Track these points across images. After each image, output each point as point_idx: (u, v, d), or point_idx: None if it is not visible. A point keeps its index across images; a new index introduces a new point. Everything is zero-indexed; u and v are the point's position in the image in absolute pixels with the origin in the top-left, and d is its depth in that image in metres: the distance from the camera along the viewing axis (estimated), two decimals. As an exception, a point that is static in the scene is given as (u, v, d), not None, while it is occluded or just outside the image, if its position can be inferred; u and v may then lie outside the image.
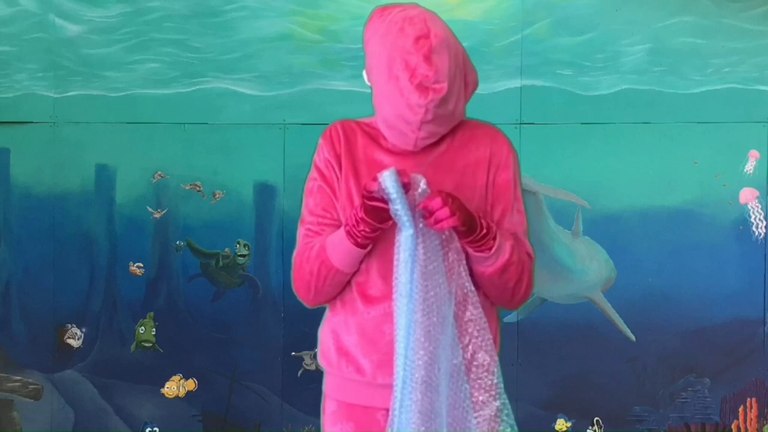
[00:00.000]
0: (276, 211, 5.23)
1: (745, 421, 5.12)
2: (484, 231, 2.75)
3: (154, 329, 5.28)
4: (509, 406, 2.82)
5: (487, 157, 2.89)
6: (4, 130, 5.26)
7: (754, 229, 5.11)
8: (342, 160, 2.89)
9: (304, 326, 5.23)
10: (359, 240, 2.77)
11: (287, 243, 5.22)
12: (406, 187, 2.67)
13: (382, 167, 2.82)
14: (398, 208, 2.67)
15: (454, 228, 2.71)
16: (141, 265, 5.28)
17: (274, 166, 5.18)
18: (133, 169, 5.25)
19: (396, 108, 2.76)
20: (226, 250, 5.26)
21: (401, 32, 2.75)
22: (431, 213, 2.68)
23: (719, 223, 5.12)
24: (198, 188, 5.25)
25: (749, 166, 5.11)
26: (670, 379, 5.15)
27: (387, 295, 2.82)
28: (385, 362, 2.82)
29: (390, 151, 2.87)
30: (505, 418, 2.80)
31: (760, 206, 5.10)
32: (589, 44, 5.14)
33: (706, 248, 5.11)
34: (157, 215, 5.27)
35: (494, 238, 2.77)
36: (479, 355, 2.78)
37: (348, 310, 2.90)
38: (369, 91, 5.51)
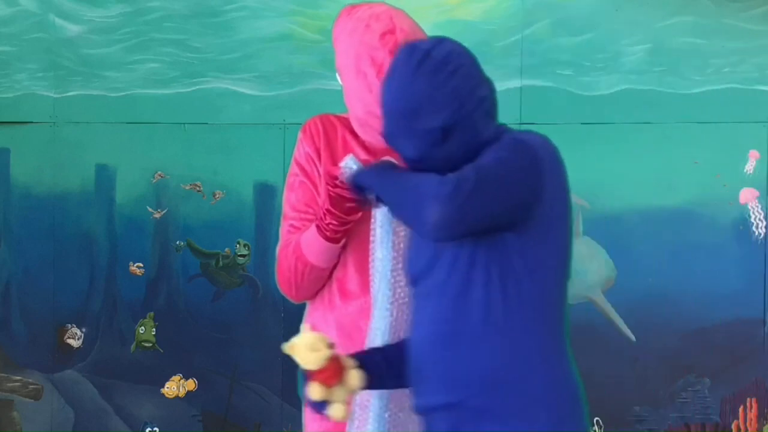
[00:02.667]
0: (276, 211, 5.21)
1: (745, 421, 5.12)
2: None
3: (154, 329, 5.28)
4: None
5: None
6: (4, 130, 5.26)
7: (754, 229, 5.11)
8: (321, 153, 2.90)
9: (304, 326, 5.23)
10: (328, 234, 2.78)
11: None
12: None
13: (362, 161, 2.84)
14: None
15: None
16: (141, 265, 5.28)
17: (274, 166, 5.18)
18: (133, 169, 5.25)
19: (365, 105, 2.77)
20: (226, 250, 5.26)
21: (367, 29, 2.76)
22: None
23: (719, 223, 5.12)
24: (198, 188, 5.26)
25: (749, 166, 5.11)
26: (670, 379, 5.15)
27: (364, 291, 2.83)
28: None
29: (369, 147, 2.88)
30: None
31: (760, 206, 5.10)
32: (589, 44, 5.14)
33: (706, 248, 5.11)
34: (157, 215, 5.27)
35: None
36: None
37: (327, 305, 2.91)
38: (369, 91, 5.46)
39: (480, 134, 2.49)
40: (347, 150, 2.89)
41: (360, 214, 2.76)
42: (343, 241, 2.82)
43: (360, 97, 2.78)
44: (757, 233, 5.11)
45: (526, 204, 2.44)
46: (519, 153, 2.48)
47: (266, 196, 5.23)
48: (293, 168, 2.97)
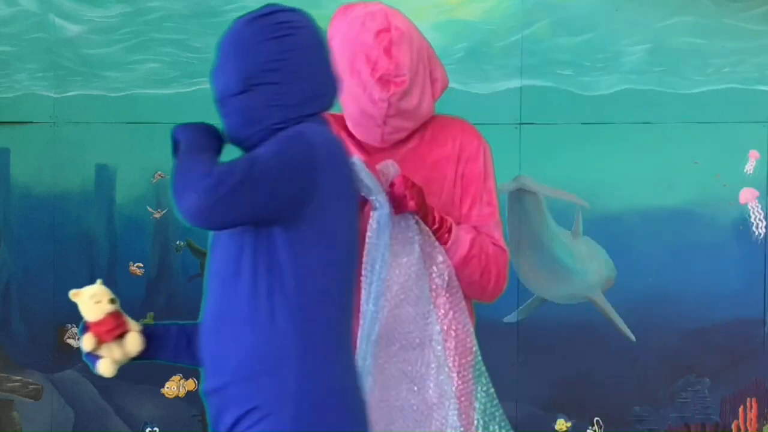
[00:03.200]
0: (276, 211, 5.23)
1: (745, 421, 5.12)
2: (436, 225, 2.76)
3: (154, 329, 5.27)
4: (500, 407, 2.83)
5: (456, 151, 2.89)
6: (4, 130, 5.26)
7: (754, 229, 5.10)
8: None
9: (304, 326, 5.23)
10: None
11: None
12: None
13: None
14: (377, 197, 2.69)
15: (412, 212, 2.73)
16: (141, 265, 5.28)
17: (274, 166, 5.18)
18: (133, 169, 5.25)
19: (359, 103, 2.77)
20: (226, 250, 5.25)
21: (363, 27, 2.78)
22: (393, 197, 2.71)
23: (719, 223, 5.12)
24: (198, 188, 5.25)
25: (749, 166, 5.11)
26: (670, 379, 5.15)
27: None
28: None
29: (363, 146, 2.87)
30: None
31: (760, 206, 5.09)
32: (589, 44, 5.14)
33: (706, 248, 5.11)
34: (157, 215, 5.27)
35: (449, 232, 2.78)
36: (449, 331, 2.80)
37: None
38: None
39: (272, 114, 2.52)
40: None
41: None
42: None
43: (354, 95, 2.77)
44: (757, 233, 5.11)
45: (295, 200, 2.42)
46: (295, 148, 2.44)
47: (266, 196, 5.22)
48: None
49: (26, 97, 5.25)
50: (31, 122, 5.26)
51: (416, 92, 2.78)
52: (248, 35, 2.60)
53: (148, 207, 5.25)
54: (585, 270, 5.17)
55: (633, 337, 5.12)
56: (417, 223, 2.76)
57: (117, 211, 5.28)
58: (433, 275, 2.77)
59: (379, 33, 2.75)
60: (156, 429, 5.28)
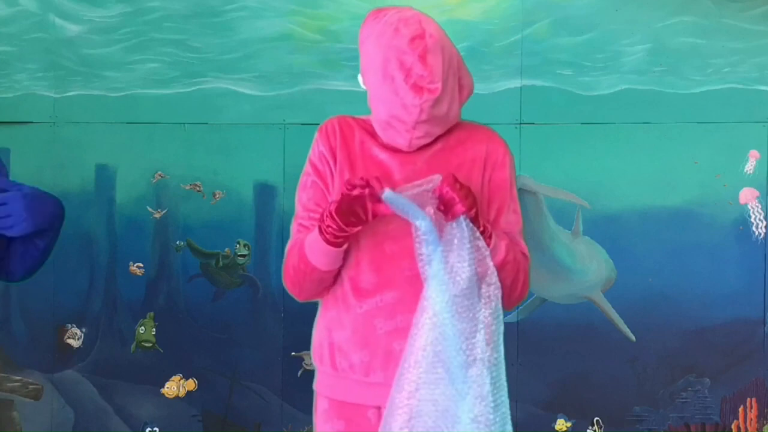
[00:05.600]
0: (276, 211, 5.23)
1: (745, 421, 5.12)
2: (481, 228, 2.77)
3: (154, 329, 5.28)
4: (508, 404, 2.82)
5: (482, 156, 2.91)
6: (4, 130, 5.26)
7: (754, 229, 5.11)
8: (337, 154, 2.89)
9: (304, 326, 5.20)
10: (328, 237, 2.77)
11: (287, 243, 5.21)
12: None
13: (378, 162, 2.85)
14: (420, 223, 2.67)
15: (464, 215, 2.71)
16: (141, 265, 5.28)
17: (274, 166, 5.18)
18: (133, 169, 5.25)
19: (391, 108, 2.77)
20: (226, 250, 5.26)
21: (396, 33, 2.76)
22: (442, 200, 2.69)
23: (719, 223, 5.12)
24: (198, 188, 5.26)
25: (749, 166, 5.11)
26: (670, 379, 5.15)
27: (379, 289, 2.83)
28: (377, 357, 2.83)
29: (386, 148, 2.88)
30: (498, 417, 2.79)
31: (760, 206, 5.10)
32: (589, 44, 5.14)
33: (706, 248, 5.11)
34: (157, 215, 5.27)
35: (490, 237, 2.78)
36: (494, 352, 2.78)
37: (340, 305, 2.90)
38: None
39: None
40: (364, 150, 2.89)
41: (360, 227, 2.75)
42: (344, 246, 2.81)
43: (385, 100, 2.77)
44: (757, 233, 5.11)
45: None
46: None
47: (266, 196, 5.23)
48: (307, 167, 2.95)
49: (26, 97, 5.25)
50: (31, 122, 5.26)
51: (447, 99, 2.79)
52: None
53: (148, 207, 5.25)
54: (585, 270, 5.17)
55: (633, 337, 5.13)
56: (468, 228, 2.72)
57: (117, 211, 5.28)
58: (482, 291, 2.77)
59: (413, 39, 2.74)
60: (156, 429, 5.28)
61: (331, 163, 2.89)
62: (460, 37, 5.17)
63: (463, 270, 2.70)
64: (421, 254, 2.71)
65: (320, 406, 2.98)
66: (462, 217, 2.71)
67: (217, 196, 5.25)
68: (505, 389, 2.80)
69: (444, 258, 2.69)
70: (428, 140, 2.85)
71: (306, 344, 5.24)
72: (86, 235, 5.28)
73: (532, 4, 5.14)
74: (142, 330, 5.27)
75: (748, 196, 5.10)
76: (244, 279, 5.28)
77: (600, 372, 5.14)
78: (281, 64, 5.21)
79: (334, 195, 2.86)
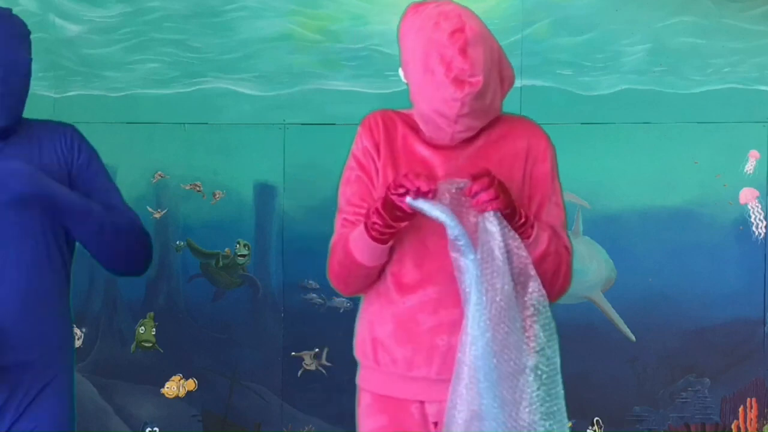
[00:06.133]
0: (276, 211, 5.23)
1: (745, 421, 5.12)
2: (523, 219, 2.76)
3: (154, 329, 5.28)
4: (564, 411, 2.81)
5: (524, 150, 2.91)
6: (4, 130, 5.26)
7: (754, 229, 5.11)
8: (381, 148, 2.89)
9: (304, 326, 5.23)
10: (373, 234, 2.77)
11: (287, 243, 5.22)
12: (432, 194, 2.67)
13: (421, 158, 2.85)
14: (455, 231, 2.67)
15: (498, 211, 2.70)
16: (141, 265, 5.28)
17: (274, 166, 5.18)
18: (133, 169, 5.24)
19: (432, 102, 2.76)
20: (226, 250, 5.26)
21: (436, 26, 2.75)
22: (475, 195, 2.68)
23: (719, 223, 5.12)
24: (198, 188, 5.26)
25: (749, 166, 5.11)
26: (670, 379, 5.15)
27: (422, 284, 2.83)
28: (420, 352, 2.83)
29: (428, 144, 2.88)
30: (556, 425, 2.79)
31: (760, 206, 5.10)
32: (589, 44, 5.14)
33: (706, 248, 5.11)
34: (157, 215, 5.27)
35: (532, 227, 2.78)
36: (544, 360, 2.79)
37: (383, 300, 2.89)
38: (368, 91, 5.50)
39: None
40: (406, 145, 2.89)
41: (407, 223, 2.75)
42: (390, 242, 2.81)
43: (426, 94, 2.76)
44: (757, 233, 5.11)
45: None
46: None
47: (266, 196, 5.23)
48: (350, 162, 2.95)
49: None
50: (31, 122, 5.25)
51: (489, 92, 2.78)
52: None
53: (148, 207, 5.25)
54: (585, 270, 5.17)
55: (633, 338, 5.13)
56: (503, 227, 2.71)
57: (117, 211, 5.28)
58: (526, 299, 2.75)
59: (453, 33, 2.73)
60: (156, 429, 5.28)
61: (375, 157, 2.89)
62: (460, 37, 5.17)
63: (502, 276, 2.69)
64: (455, 260, 2.70)
65: (363, 401, 2.98)
66: (495, 214, 2.70)
67: (217, 196, 5.25)
68: (561, 397, 2.79)
69: (480, 265, 2.68)
70: (470, 134, 2.84)
71: (306, 344, 5.27)
72: (86, 235, 5.27)
73: (532, 4, 5.14)
74: (142, 330, 5.27)
75: (748, 196, 5.10)
76: (244, 279, 5.28)
77: (600, 372, 5.14)
78: (281, 64, 5.21)
79: (379, 190, 2.86)
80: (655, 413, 5.15)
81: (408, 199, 2.67)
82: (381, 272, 2.89)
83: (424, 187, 2.66)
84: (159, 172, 5.26)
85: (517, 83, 5.09)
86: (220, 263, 5.27)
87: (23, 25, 3.21)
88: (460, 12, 2.79)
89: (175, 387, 5.26)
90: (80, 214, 3.11)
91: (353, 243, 2.83)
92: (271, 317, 5.25)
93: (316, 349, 5.22)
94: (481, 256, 2.68)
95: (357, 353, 2.98)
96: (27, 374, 3.12)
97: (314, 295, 5.20)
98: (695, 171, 5.11)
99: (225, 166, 5.24)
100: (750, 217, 5.10)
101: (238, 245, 5.26)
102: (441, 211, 2.66)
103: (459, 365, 2.70)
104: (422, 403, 2.87)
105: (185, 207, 5.27)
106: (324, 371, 5.21)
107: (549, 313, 2.81)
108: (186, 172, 5.25)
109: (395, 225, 2.74)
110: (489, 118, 2.86)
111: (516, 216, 2.74)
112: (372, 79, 5.08)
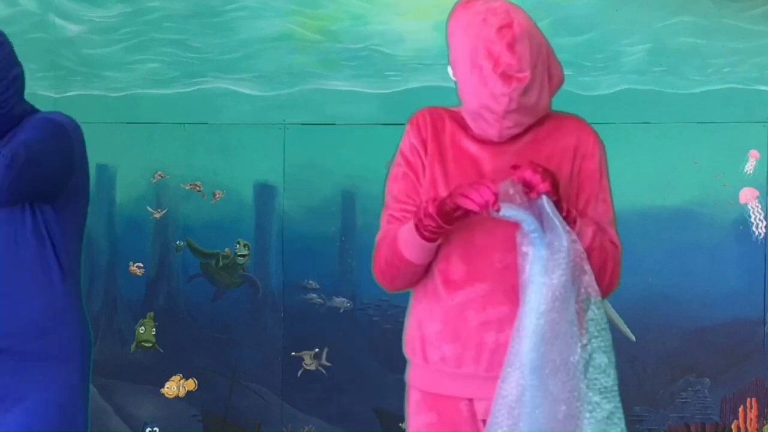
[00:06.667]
0: (276, 211, 5.23)
1: (745, 421, 5.12)
2: (565, 213, 2.77)
3: (154, 329, 5.28)
4: (621, 410, 2.80)
5: (572, 147, 2.93)
6: (4, 130, 5.26)
7: (754, 229, 5.10)
8: (428, 145, 2.89)
9: (304, 326, 5.23)
10: (425, 233, 2.77)
11: (287, 243, 5.22)
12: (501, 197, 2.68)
13: (469, 155, 2.86)
14: (531, 228, 2.68)
15: (547, 194, 2.71)
16: (141, 265, 5.29)
17: (274, 166, 5.18)
18: (133, 169, 5.25)
19: (480, 98, 2.77)
20: (226, 250, 5.26)
21: (484, 22, 2.76)
22: (525, 182, 2.70)
23: (719, 223, 5.11)
24: (198, 188, 5.26)
25: (749, 166, 5.11)
26: (670, 379, 5.15)
27: (469, 281, 2.83)
28: (468, 349, 2.83)
29: (476, 140, 2.88)
30: (616, 421, 2.78)
31: (760, 206, 5.09)
32: (589, 44, 5.14)
33: (706, 248, 5.11)
34: (157, 215, 5.27)
35: (575, 222, 2.78)
36: (597, 356, 2.77)
37: (431, 297, 2.89)
38: (368, 91, 5.50)
39: (13, 109, 3.07)
40: (454, 142, 2.89)
41: (458, 223, 2.76)
42: (439, 240, 2.81)
43: (475, 90, 2.78)
44: (757, 233, 5.11)
45: (62, 175, 3.03)
46: (55, 132, 3.05)
47: (266, 196, 5.23)
48: (398, 158, 2.95)
49: (26, 97, 5.24)
50: (31, 122, 5.25)
51: (536, 88, 2.80)
52: None
53: (148, 207, 5.25)
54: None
55: (633, 338, 5.12)
56: (555, 212, 2.72)
57: (117, 211, 5.28)
58: (581, 291, 2.76)
59: (501, 28, 2.75)
60: (156, 429, 5.28)
61: (423, 154, 2.90)
62: (460, 37, 5.17)
63: (564, 268, 2.71)
64: (524, 254, 2.72)
65: (412, 398, 2.98)
66: (546, 199, 2.71)
67: (217, 196, 5.25)
68: (616, 394, 2.78)
69: (550, 257, 2.70)
70: (518, 130, 2.85)
71: (306, 344, 5.27)
72: (86, 235, 5.20)
73: (532, 4, 5.11)
74: (142, 330, 5.27)
75: (748, 196, 5.10)
76: (244, 279, 5.28)
77: (600, 372, 5.14)
78: (281, 64, 5.21)
79: (426, 186, 2.87)
80: (655, 413, 5.15)
81: (502, 212, 2.66)
82: (427, 270, 2.89)
83: (492, 198, 2.66)
84: (159, 172, 5.26)
85: (517, 83, 5.12)
86: (220, 263, 5.27)
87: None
88: (508, 8, 2.80)
89: (175, 387, 5.26)
90: None
91: (402, 241, 2.84)
92: (271, 317, 5.25)
93: (316, 349, 5.22)
94: (549, 250, 2.70)
95: (406, 350, 2.98)
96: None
97: (314, 295, 5.21)
98: (695, 171, 5.11)
99: (225, 166, 5.24)
100: (750, 217, 5.10)
101: (238, 245, 5.26)
102: (516, 211, 2.68)
103: (509, 356, 2.71)
104: (471, 400, 2.87)
105: (185, 207, 5.27)
106: (324, 371, 5.21)
107: (602, 310, 2.80)
108: (186, 172, 5.25)
109: (447, 227, 2.76)
110: (537, 116, 2.88)
111: (561, 205, 2.76)
112: (372, 79, 5.08)
